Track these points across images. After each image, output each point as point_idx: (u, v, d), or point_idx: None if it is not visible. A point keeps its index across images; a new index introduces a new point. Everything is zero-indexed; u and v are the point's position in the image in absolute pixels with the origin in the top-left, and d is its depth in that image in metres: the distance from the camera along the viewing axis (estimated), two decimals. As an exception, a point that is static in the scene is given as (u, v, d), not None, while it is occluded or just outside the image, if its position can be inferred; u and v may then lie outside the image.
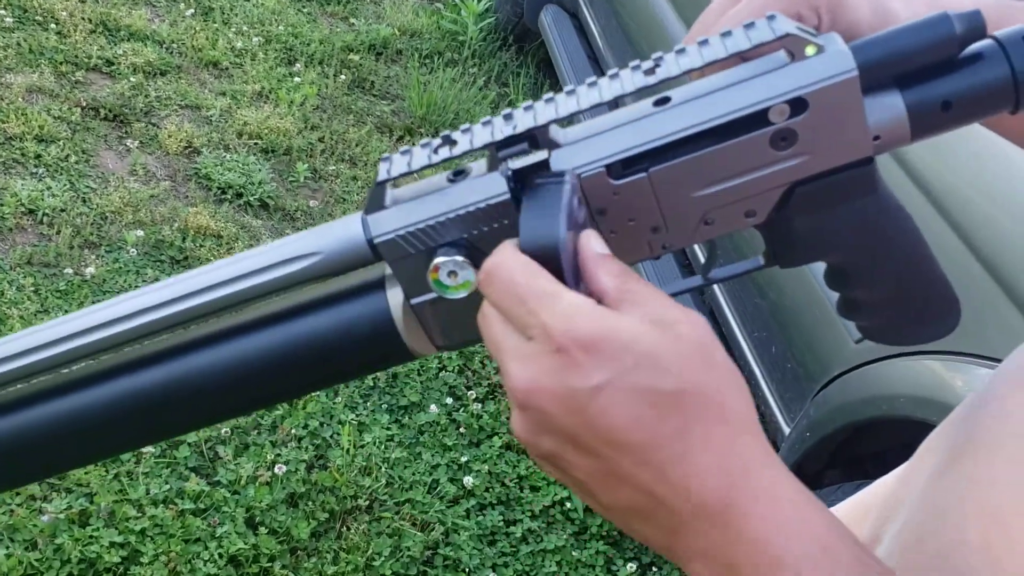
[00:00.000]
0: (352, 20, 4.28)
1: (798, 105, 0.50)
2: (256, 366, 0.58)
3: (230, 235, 2.84)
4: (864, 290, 0.59)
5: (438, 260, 0.52)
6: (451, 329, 0.57)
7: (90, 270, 2.56)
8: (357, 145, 3.43)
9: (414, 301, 0.56)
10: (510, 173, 0.51)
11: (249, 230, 2.92)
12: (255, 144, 3.28)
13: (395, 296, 0.56)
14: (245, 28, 3.90)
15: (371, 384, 2.49)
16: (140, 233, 2.73)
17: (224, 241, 2.82)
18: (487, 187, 0.52)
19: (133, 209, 2.82)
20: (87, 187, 2.86)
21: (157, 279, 2.13)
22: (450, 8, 4.38)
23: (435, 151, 0.52)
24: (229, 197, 3.02)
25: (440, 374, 2.57)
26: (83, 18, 3.56)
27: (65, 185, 2.82)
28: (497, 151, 0.51)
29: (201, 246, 2.77)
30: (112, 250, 2.67)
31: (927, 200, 1.49)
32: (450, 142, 0.52)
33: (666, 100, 0.52)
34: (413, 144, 0.54)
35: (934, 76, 0.52)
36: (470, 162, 0.55)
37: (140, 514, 2.00)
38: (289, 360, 0.58)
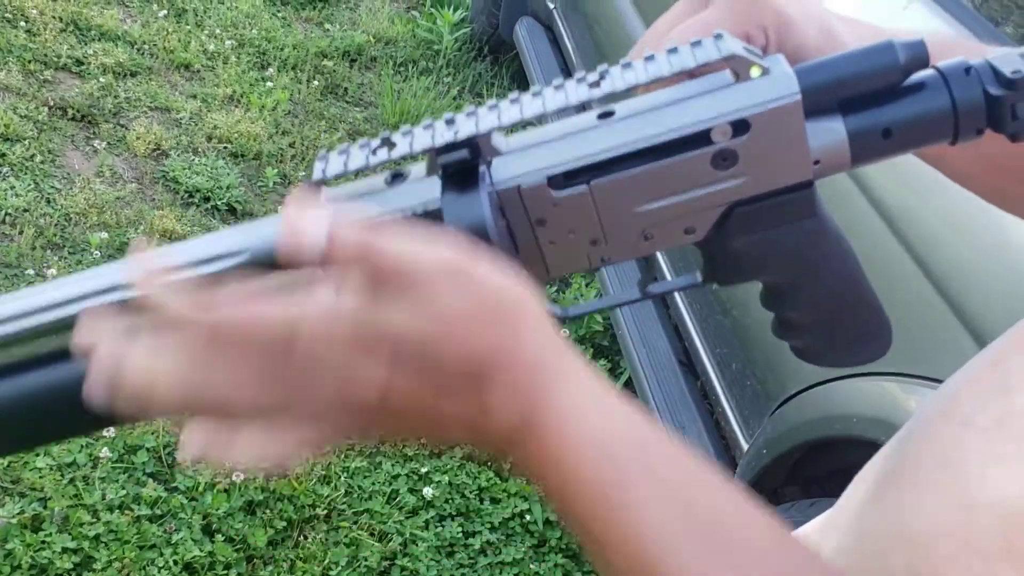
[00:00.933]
0: (327, 26, 4.27)
1: (740, 126, 0.49)
2: None
3: (196, 239, 2.82)
4: (797, 312, 0.59)
5: None
6: None
7: (52, 272, 2.53)
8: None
9: None
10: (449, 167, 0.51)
11: (216, 234, 2.90)
12: (224, 148, 3.26)
13: None
14: (218, 31, 3.88)
15: (334, 392, 2.48)
16: (104, 235, 2.71)
17: (190, 245, 2.79)
18: (424, 192, 0.51)
19: (98, 211, 2.79)
20: (52, 187, 2.83)
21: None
22: (426, 17, 4.38)
23: (373, 152, 0.51)
24: (196, 201, 3.00)
25: (404, 383, 2.56)
26: (53, 16, 3.53)
27: (29, 185, 2.79)
28: (437, 156, 0.50)
29: (166, 249, 2.75)
30: (75, 252, 2.64)
31: (884, 223, 1.51)
32: (389, 144, 0.51)
33: (610, 114, 0.52)
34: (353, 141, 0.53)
35: (876, 103, 0.52)
36: (409, 165, 0.54)
37: (95, 519, 1.98)
38: None
